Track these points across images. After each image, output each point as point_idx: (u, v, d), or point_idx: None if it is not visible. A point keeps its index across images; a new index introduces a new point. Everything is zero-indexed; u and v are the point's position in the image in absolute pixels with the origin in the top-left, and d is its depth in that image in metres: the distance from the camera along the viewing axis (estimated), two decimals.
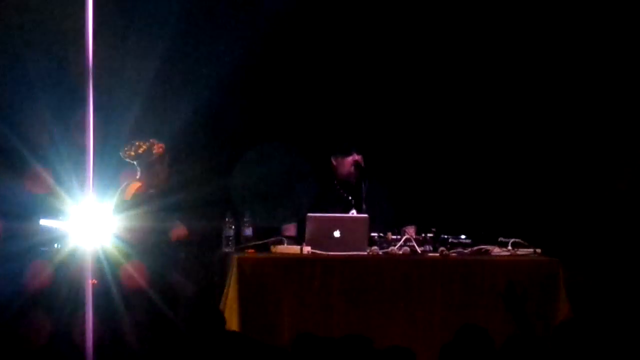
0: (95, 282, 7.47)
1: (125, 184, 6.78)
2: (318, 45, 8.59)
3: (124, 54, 8.22)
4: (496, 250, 6.97)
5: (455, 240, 6.98)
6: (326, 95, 8.63)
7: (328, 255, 6.72)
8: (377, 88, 8.71)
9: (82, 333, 5.10)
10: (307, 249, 6.75)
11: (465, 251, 6.94)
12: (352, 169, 7.39)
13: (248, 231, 6.94)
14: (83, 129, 5.04)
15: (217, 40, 8.48)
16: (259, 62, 8.53)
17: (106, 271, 6.48)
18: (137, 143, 6.74)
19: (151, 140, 6.77)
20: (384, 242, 6.90)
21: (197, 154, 8.45)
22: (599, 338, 4.92)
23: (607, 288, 8.02)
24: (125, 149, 6.74)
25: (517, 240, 7.04)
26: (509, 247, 6.99)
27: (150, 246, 6.56)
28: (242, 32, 8.48)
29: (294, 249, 6.83)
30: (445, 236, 6.99)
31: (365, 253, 6.79)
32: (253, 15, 8.45)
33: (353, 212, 7.16)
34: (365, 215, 6.97)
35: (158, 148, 6.73)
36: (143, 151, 6.69)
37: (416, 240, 6.89)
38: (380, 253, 6.82)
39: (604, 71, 8.56)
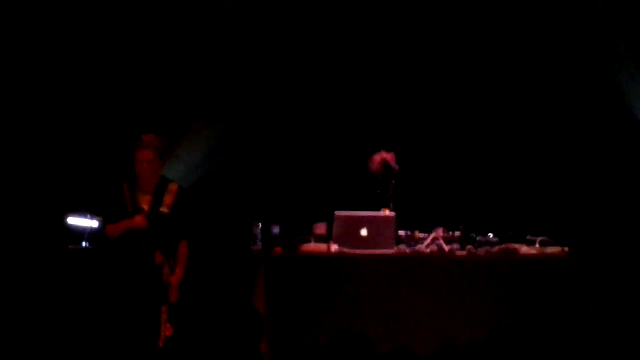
0: None
1: None
2: (357, 43, 8.64)
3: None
4: (524, 249, 6.93)
5: (482, 239, 6.96)
6: (364, 94, 8.69)
7: (355, 253, 6.72)
8: (412, 89, 8.76)
9: None
10: (334, 248, 6.74)
11: (493, 250, 6.92)
12: (380, 167, 7.42)
13: (275, 229, 6.93)
14: None
15: (242, 34, 8.55)
16: (298, 58, 8.58)
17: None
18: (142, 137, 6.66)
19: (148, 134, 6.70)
20: (411, 241, 6.88)
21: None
22: (621, 337, 4.92)
23: (635, 288, 7.99)
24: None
25: (544, 238, 7.01)
26: (537, 246, 6.96)
27: None
28: (275, 27, 8.55)
29: (322, 247, 6.81)
30: (473, 235, 6.96)
31: (393, 251, 6.77)
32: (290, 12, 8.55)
33: (385, 211, 7.12)
34: (393, 213, 6.97)
35: (150, 138, 6.61)
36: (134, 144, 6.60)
37: (444, 238, 6.87)
38: (408, 252, 6.81)
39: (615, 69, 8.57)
